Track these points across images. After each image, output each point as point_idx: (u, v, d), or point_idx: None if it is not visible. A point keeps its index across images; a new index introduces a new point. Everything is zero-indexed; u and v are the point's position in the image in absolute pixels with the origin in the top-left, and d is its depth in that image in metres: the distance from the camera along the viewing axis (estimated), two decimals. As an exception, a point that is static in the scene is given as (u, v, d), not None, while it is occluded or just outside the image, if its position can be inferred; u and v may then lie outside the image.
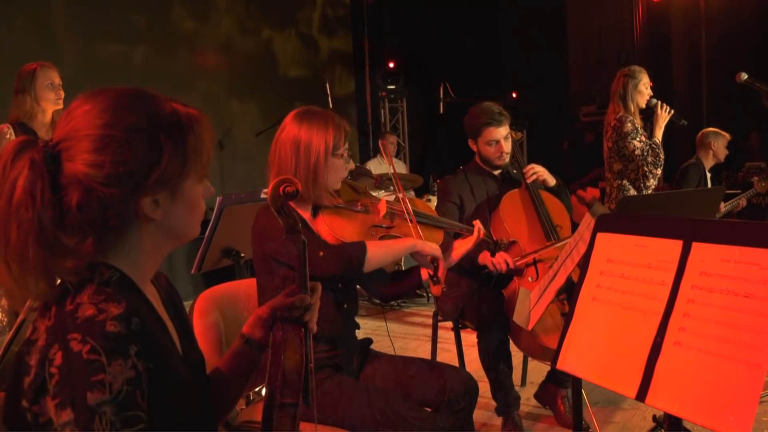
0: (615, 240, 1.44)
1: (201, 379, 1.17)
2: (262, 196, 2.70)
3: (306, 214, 1.92)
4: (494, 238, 2.52)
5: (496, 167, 2.90)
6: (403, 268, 2.28)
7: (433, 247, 1.93)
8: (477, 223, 2.20)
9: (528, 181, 2.78)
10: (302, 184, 1.83)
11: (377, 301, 5.56)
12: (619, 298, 1.37)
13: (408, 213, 2.04)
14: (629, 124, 3.52)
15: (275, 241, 1.77)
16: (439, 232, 2.13)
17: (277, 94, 6.73)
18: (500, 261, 2.56)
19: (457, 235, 2.24)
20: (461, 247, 2.14)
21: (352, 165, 1.98)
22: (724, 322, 1.16)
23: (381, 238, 1.98)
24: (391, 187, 5.08)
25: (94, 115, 0.94)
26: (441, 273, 1.94)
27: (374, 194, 2.13)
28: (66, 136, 0.94)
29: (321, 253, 1.76)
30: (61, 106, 3.28)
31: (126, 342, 0.87)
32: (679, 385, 1.18)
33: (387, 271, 2.17)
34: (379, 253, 1.85)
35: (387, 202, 2.07)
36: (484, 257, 2.60)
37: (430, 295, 5.14)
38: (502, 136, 2.80)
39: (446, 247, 2.15)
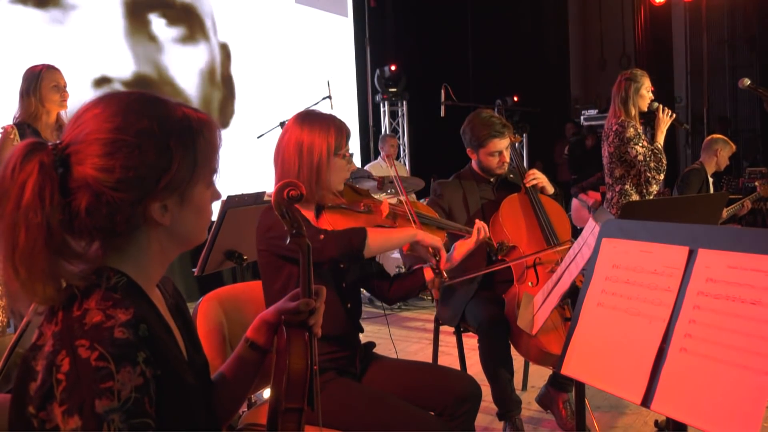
0: (620, 245, 1.44)
1: (206, 383, 1.16)
2: (266, 198, 2.71)
3: (309, 214, 1.95)
4: (495, 243, 2.48)
5: (494, 175, 2.91)
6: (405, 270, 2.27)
7: (433, 238, 1.95)
8: (479, 222, 2.19)
9: (528, 185, 2.77)
10: (305, 184, 1.85)
11: (380, 304, 5.58)
12: (625, 303, 1.37)
13: (411, 213, 2.06)
14: (631, 129, 3.47)
15: (280, 237, 1.78)
16: (441, 233, 2.15)
17: (278, 97, 6.72)
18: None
19: (458, 237, 2.24)
20: (462, 248, 2.14)
21: (354, 166, 2.01)
22: (730, 328, 1.15)
23: None
24: (393, 190, 5.07)
25: (104, 118, 0.93)
26: (443, 265, 1.96)
27: (376, 197, 2.15)
28: (76, 140, 0.93)
29: (321, 237, 1.77)
30: (66, 108, 3.28)
31: (134, 349, 0.86)
32: (684, 391, 1.18)
33: (390, 273, 2.18)
34: (379, 239, 1.86)
35: (390, 203, 2.09)
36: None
37: (431, 298, 5.13)
38: (504, 147, 2.81)
39: (447, 249, 2.14)
